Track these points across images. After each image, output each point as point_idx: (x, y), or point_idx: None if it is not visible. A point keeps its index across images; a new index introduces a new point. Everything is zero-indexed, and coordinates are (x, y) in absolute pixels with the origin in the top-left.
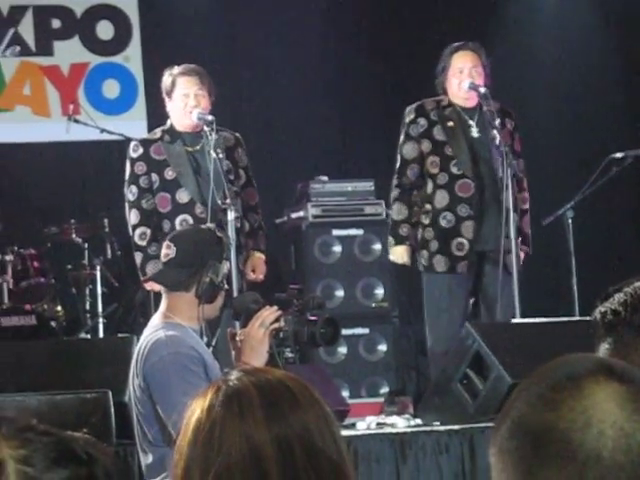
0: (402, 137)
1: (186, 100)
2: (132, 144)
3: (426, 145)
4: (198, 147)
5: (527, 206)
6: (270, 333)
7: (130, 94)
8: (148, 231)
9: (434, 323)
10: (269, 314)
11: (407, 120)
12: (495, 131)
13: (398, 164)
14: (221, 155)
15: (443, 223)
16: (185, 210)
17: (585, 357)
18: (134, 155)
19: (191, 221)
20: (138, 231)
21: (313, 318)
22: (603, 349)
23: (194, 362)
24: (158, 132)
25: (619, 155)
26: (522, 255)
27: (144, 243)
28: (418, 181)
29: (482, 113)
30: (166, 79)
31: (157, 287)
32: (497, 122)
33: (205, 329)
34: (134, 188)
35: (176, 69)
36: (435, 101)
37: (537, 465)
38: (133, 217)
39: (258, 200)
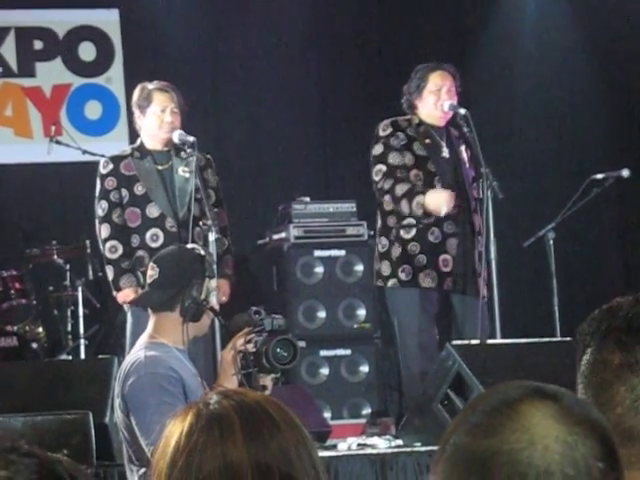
0: (381, 149)
1: (162, 116)
2: (102, 161)
3: (409, 157)
4: (167, 165)
5: None
6: (237, 355)
7: (112, 115)
8: (119, 244)
9: (409, 341)
10: (239, 336)
11: (385, 133)
12: (465, 153)
13: (384, 171)
14: (188, 175)
15: (431, 239)
16: (155, 224)
17: (513, 384)
18: (104, 171)
19: (162, 235)
20: (108, 244)
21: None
22: (585, 361)
23: (171, 383)
24: (128, 149)
25: (600, 176)
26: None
27: (115, 256)
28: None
29: (449, 134)
30: (140, 94)
31: (129, 298)
32: (463, 147)
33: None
34: (104, 203)
35: (150, 85)
36: (406, 120)
37: None
38: (103, 231)
39: (227, 223)
